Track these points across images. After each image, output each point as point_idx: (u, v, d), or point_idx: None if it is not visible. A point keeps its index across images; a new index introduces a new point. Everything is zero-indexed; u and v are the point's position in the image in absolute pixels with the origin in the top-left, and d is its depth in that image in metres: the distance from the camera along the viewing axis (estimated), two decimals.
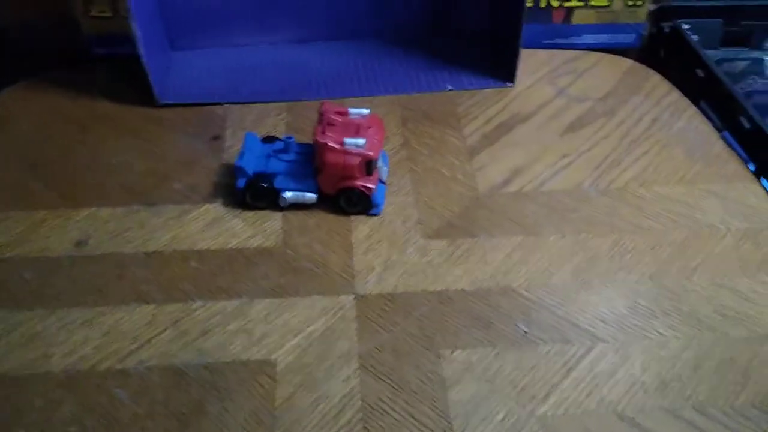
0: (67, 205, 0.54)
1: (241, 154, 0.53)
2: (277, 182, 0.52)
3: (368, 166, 0.51)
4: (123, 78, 0.66)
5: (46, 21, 0.70)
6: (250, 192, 0.52)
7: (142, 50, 0.59)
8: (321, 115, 0.53)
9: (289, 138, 0.54)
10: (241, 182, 0.53)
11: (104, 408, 0.41)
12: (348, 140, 0.51)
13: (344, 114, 0.53)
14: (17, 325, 0.45)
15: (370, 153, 0.51)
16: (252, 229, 0.52)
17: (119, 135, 0.61)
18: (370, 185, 0.52)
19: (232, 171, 0.57)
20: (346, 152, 0.51)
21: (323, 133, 0.51)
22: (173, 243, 0.51)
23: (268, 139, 0.56)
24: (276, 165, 0.54)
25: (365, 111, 0.53)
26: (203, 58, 0.70)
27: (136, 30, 0.57)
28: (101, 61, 0.69)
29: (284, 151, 0.54)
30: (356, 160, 0.51)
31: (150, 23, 0.63)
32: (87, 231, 0.52)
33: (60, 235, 0.51)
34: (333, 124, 0.52)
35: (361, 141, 0.51)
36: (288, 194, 0.52)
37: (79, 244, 0.51)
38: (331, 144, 0.50)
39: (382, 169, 0.54)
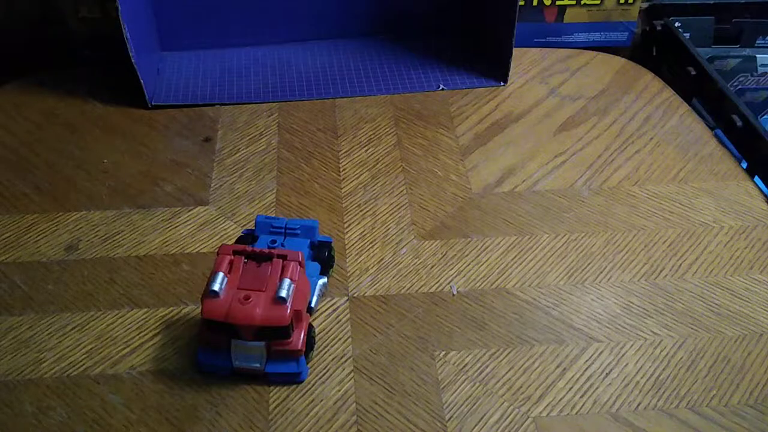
0: (57, 209, 0.53)
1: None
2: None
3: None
4: (113, 79, 0.66)
5: (35, 22, 0.69)
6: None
7: (132, 51, 0.58)
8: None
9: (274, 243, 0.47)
10: (246, 231, 0.49)
11: (96, 413, 0.41)
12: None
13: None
14: (8, 330, 0.45)
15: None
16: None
17: (109, 137, 0.60)
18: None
19: (224, 172, 0.57)
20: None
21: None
22: (164, 246, 0.50)
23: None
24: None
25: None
26: (194, 59, 0.69)
27: (126, 31, 0.57)
28: (91, 63, 0.69)
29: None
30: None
31: (140, 24, 0.62)
32: (77, 235, 0.51)
33: (50, 239, 0.51)
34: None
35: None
36: None
37: (70, 248, 0.50)
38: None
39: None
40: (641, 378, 0.43)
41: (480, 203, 0.54)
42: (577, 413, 0.41)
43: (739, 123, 0.60)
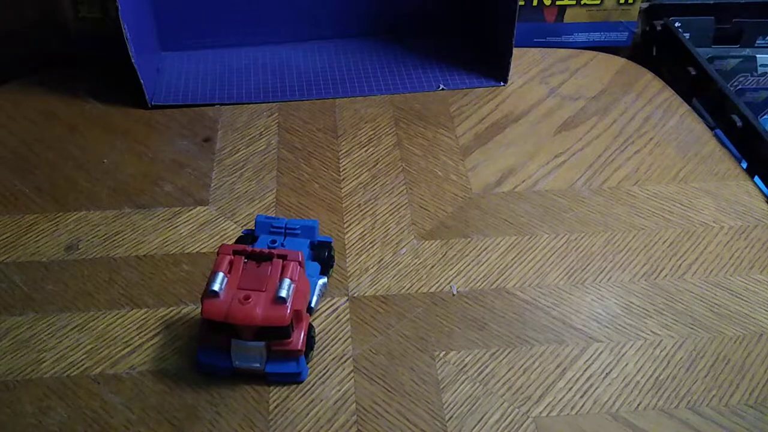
0: (56, 209, 0.53)
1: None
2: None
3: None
4: (113, 79, 0.66)
5: (35, 22, 0.69)
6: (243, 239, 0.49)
7: (132, 51, 0.58)
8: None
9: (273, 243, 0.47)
10: (246, 230, 0.49)
11: (96, 413, 0.41)
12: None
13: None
14: (7, 330, 0.45)
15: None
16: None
17: (109, 137, 0.60)
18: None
19: (224, 172, 0.57)
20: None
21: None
22: (164, 246, 0.50)
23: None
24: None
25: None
26: (194, 60, 0.69)
27: (126, 31, 0.57)
28: (91, 63, 0.69)
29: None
30: None
31: (140, 24, 0.62)
32: (77, 234, 0.51)
33: (50, 239, 0.51)
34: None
35: None
36: None
37: (70, 248, 0.50)
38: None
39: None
40: (641, 378, 0.43)
41: (480, 203, 0.54)
42: (577, 413, 0.41)
43: (739, 123, 0.60)
